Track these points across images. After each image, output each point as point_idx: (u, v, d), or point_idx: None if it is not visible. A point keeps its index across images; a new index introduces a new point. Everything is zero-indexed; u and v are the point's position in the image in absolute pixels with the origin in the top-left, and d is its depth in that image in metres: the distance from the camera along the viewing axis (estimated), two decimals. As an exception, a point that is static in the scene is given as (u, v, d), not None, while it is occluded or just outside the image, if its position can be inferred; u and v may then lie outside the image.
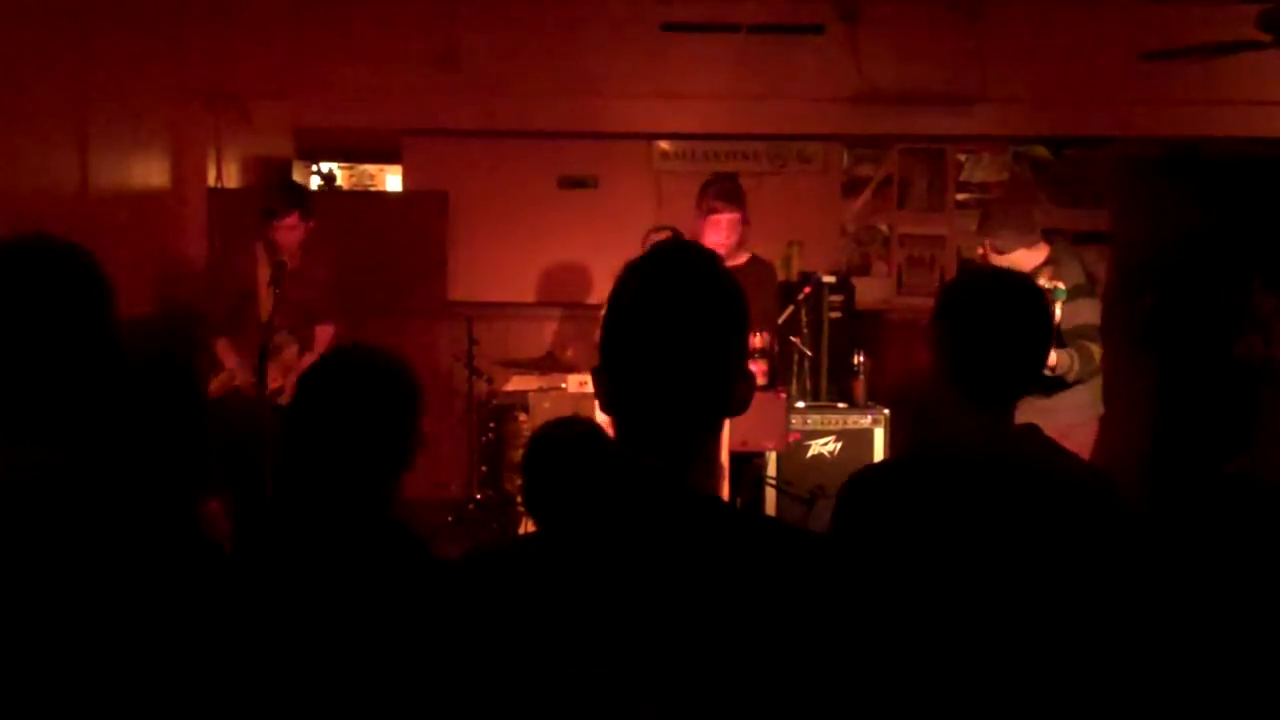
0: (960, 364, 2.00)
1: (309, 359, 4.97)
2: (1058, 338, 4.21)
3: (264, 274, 5.00)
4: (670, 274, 1.36)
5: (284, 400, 4.89)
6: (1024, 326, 2.01)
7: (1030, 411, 4.51)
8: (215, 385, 4.96)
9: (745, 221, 4.62)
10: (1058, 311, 4.07)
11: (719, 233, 4.53)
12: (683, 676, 1.23)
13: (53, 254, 1.57)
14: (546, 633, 1.26)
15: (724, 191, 4.60)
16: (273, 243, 5.02)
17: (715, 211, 4.54)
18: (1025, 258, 4.35)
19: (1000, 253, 4.35)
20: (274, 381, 4.89)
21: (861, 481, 2.04)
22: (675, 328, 1.32)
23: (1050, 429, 4.28)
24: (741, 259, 4.62)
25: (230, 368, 4.98)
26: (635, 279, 1.38)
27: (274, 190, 5.31)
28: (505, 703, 1.27)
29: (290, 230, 5.00)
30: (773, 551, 1.31)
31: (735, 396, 1.37)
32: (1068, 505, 1.95)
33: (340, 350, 2.00)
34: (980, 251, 4.46)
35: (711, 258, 1.41)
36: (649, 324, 1.33)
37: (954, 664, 1.88)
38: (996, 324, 1.98)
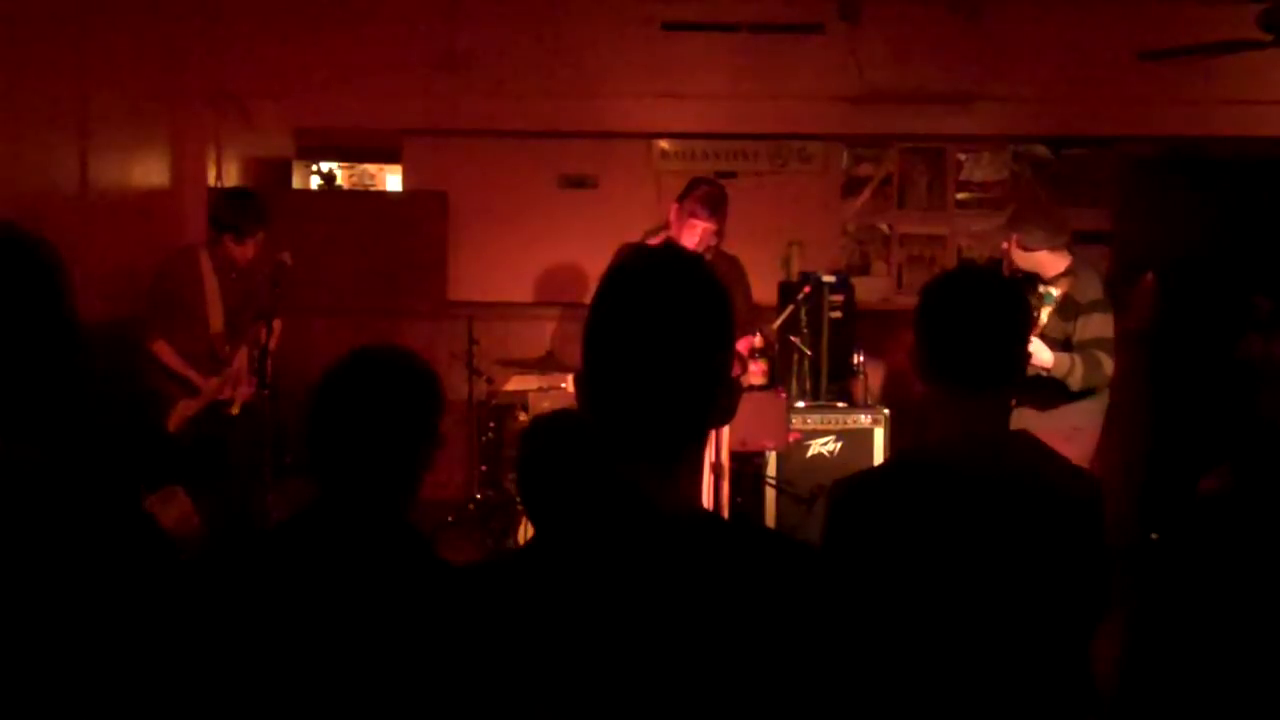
0: (941, 354, 2.04)
1: (246, 355, 4.95)
2: (1067, 346, 4.23)
3: (210, 281, 4.87)
4: (656, 278, 1.32)
5: (234, 410, 4.89)
6: (999, 311, 2.05)
7: (1033, 418, 4.51)
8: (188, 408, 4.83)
9: (721, 231, 4.70)
10: (1043, 316, 4.10)
11: (694, 237, 4.62)
12: (669, 691, 1.21)
13: (2, 241, 1.54)
14: (529, 649, 1.24)
15: (709, 199, 4.66)
16: (222, 251, 4.87)
17: (695, 217, 4.64)
18: (1048, 260, 4.38)
19: (1026, 249, 4.38)
20: (240, 397, 4.90)
21: (847, 490, 2.04)
22: (660, 333, 1.29)
23: (1057, 429, 4.29)
24: (707, 255, 4.67)
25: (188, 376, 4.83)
26: (619, 283, 1.34)
27: (234, 206, 4.98)
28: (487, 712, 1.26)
29: (255, 247, 4.88)
30: (757, 563, 1.29)
31: (720, 404, 1.34)
32: (1048, 514, 1.96)
33: (367, 350, 1.98)
34: (1005, 245, 4.50)
35: (697, 262, 1.38)
36: (634, 329, 1.30)
37: (933, 672, 1.89)
38: (971, 310, 2.03)
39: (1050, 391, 4.27)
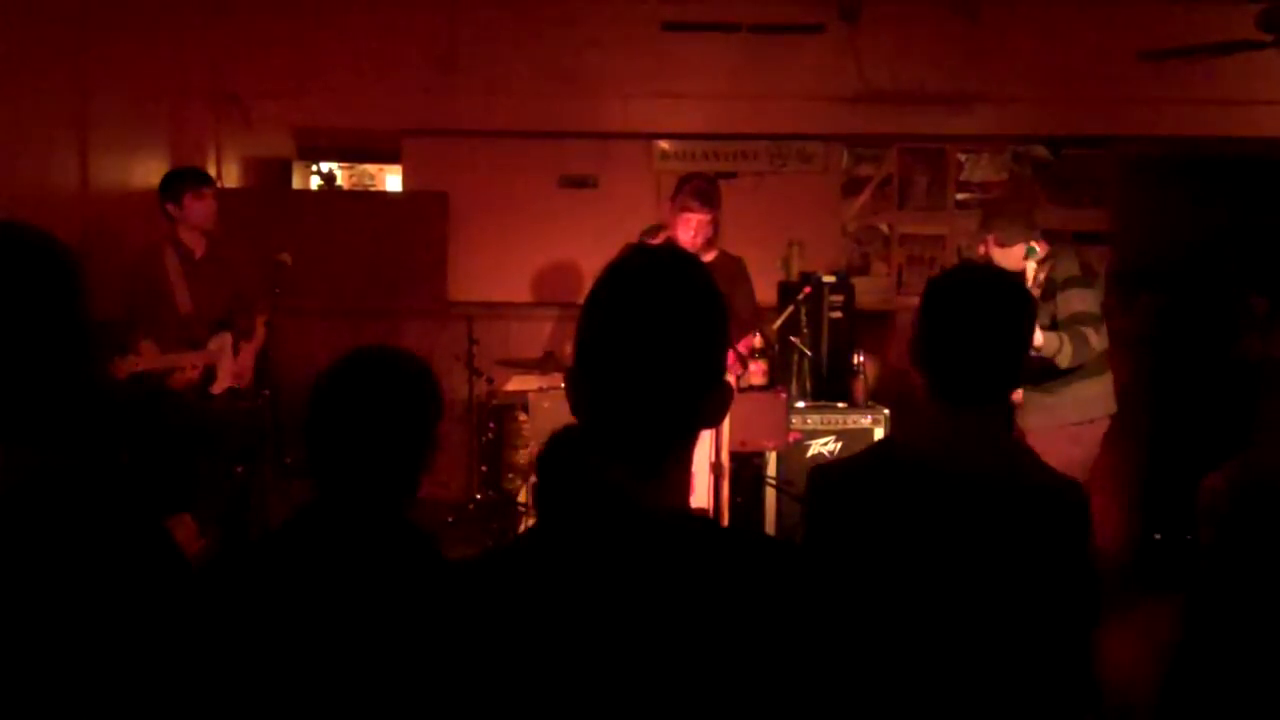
0: (938, 366, 1.97)
1: (248, 349, 5.03)
2: (1051, 328, 4.19)
3: (174, 266, 4.91)
4: (650, 277, 1.32)
5: (215, 389, 4.91)
6: (1001, 327, 1.95)
7: (1036, 409, 4.49)
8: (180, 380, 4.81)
9: (716, 223, 4.71)
10: (1031, 267, 4.06)
11: (689, 231, 4.64)
12: (643, 689, 1.21)
13: (17, 242, 1.52)
14: (506, 648, 1.24)
15: (699, 192, 4.67)
16: (179, 240, 4.92)
17: (688, 210, 4.65)
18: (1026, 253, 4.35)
19: (1003, 246, 4.34)
20: (224, 380, 4.91)
21: (827, 479, 2.02)
22: (650, 333, 1.28)
23: (1058, 430, 4.24)
24: (710, 255, 4.70)
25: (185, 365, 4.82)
26: (611, 282, 1.33)
27: (176, 174, 5.11)
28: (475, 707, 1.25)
29: (211, 201, 4.96)
30: (740, 564, 1.28)
31: (710, 406, 1.34)
32: (1030, 515, 1.91)
33: (363, 351, 1.98)
34: (982, 250, 4.46)
35: (693, 262, 1.37)
36: (624, 329, 1.29)
37: (912, 671, 1.87)
38: (973, 326, 1.94)
39: (1041, 370, 4.24)
